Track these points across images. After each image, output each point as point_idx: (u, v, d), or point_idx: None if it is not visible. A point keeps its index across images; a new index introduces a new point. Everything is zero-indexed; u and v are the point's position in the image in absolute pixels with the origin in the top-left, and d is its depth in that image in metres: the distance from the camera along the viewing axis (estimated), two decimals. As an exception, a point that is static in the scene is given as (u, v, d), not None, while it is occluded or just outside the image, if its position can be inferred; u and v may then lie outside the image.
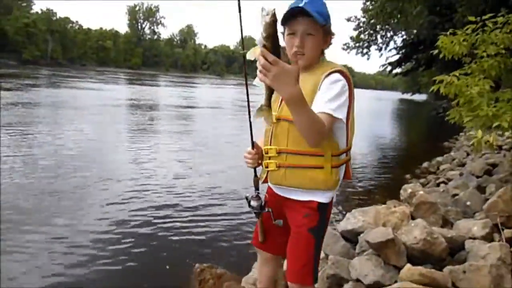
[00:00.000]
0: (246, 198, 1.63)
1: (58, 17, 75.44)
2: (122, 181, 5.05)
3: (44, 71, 39.53)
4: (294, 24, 1.42)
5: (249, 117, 1.53)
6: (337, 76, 1.42)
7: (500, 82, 3.81)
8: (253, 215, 1.66)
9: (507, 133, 3.45)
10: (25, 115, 10.05)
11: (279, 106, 1.51)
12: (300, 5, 1.37)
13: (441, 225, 2.79)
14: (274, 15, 1.07)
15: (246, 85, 1.49)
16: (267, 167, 1.56)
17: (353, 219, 3.25)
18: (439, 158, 7.74)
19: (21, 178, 4.83)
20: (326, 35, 1.48)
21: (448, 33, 3.68)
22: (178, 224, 3.85)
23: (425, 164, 7.38)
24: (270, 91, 1.18)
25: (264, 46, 1.08)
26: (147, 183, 5.04)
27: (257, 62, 1.09)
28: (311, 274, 1.52)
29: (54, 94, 16.78)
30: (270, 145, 1.54)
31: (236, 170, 5.76)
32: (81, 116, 10.75)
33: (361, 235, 2.97)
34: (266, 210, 1.60)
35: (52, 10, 74.98)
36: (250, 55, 1.17)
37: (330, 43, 1.53)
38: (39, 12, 72.48)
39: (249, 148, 1.59)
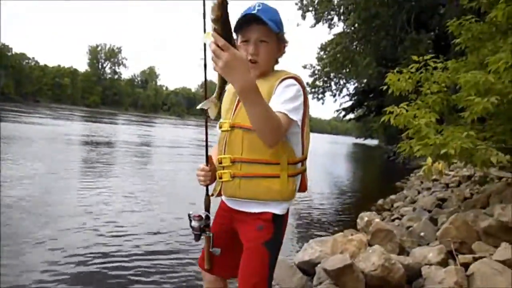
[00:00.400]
0: (189, 215, 1.49)
1: (13, 52, 73.09)
2: (65, 218, 4.58)
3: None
4: (247, 31, 1.40)
5: (206, 127, 1.47)
6: (291, 81, 1.39)
7: (444, 117, 4.07)
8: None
9: (454, 161, 3.61)
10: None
11: (234, 113, 1.44)
12: (253, 12, 1.36)
13: (398, 253, 2.75)
14: None
15: (205, 72, 1.33)
16: (220, 178, 1.45)
17: (310, 250, 3.14)
18: (393, 196, 7.98)
19: None
20: (280, 43, 1.47)
21: (395, 71, 3.93)
22: (122, 259, 3.50)
23: (380, 202, 7.56)
24: (222, 81, 1.10)
25: (214, 30, 1.01)
26: (90, 220, 4.61)
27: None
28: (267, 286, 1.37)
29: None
30: (224, 154, 1.44)
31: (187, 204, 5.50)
32: (27, 151, 9.97)
33: (319, 265, 2.86)
34: (207, 233, 1.48)
35: (8, 45, 72.84)
36: (206, 39, 1.07)
37: (284, 52, 1.51)
38: (-8, 46, 69.90)
39: (202, 164, 1.48)
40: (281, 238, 1.46)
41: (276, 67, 1.52)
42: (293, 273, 3.06)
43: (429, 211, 4.96)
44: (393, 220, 5.71)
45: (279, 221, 1.44)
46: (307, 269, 3.10)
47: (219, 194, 1.53)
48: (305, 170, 1.53)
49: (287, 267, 3.14)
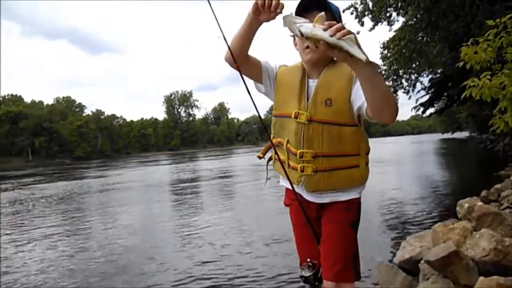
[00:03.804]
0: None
1: (106, 115, 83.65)
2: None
3: (94, 164, 42.52)
4: (309, 17, 1.35)
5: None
6: None
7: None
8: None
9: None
10: (77, 203, 10.63)
11: (307, 105, 1.45)
12: None
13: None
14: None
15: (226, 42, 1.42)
16: (302, 170, 1.47)
17: (409, 247, 2.95)
18: (498, 186, 7.07)
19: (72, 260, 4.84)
20: None
21: (469, 43, 3.60)
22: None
23: (484, 193, 6.75)
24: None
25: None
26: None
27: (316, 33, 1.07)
28: (353, 269, 1.41)
29: (104, 182, 17.79)
30: (303, 148, 1.46)
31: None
32: (127, 198, 11.15)
33: (421, 262, 2.66)
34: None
35: (101, 110, 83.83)
36: (315, 24, 1.11)
37: None
38: (90, 113, 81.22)
39: None
40: (360, 217, 1.54)
41: None
42: (395, 274, 2.88)
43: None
44: (503, 210, 5.07)
45: (360, 203, 1.52)
46: (410, 268, 2.90)
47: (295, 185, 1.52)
48: None
49: (388, 268, 2.98)
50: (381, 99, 1.17)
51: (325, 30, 1.06)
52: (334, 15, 1.38)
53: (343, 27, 1.04)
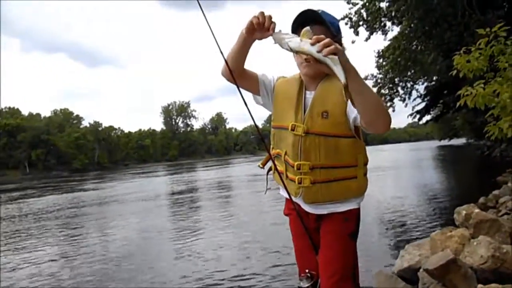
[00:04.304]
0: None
1: (103, 126, 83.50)
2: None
3: (91, 176, 42.31)
4: None
5: None
6: None
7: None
8: None
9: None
10: (74, 215, 10.55)
11: (304, 117, 1.46)
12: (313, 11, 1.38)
13: (510, 243, 2.43)
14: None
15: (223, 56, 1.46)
16: (300, 182, 1.48)
17: (408, 255, 2.95)
18: (496, 192, 7.10)
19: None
20: None
21: (461, 51, 3.65)
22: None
23: (482, 200, 6.76)
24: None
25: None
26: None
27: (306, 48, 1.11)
28: (351, 280, 1.41)
29: (101, 194, 17.70)
30: (300, 160, 1.46)
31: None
32: (125, 210, 11.09)
33: (421, 270, 2.65)
34: None
35: (98, 121, 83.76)
36: (302, 38, 1.15)
37: None
38: (88, 125, 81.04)
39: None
40: (359, 228, 1.54)
41: None
42: (394, 283, 2.88)
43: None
44: (501, 216, 5.07)
45: (359, 213, 1.52)
46: (409, 277, 2.89)
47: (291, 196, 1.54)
48: None
49: (386, 277, 2.97)
50: (372, 111, 1.19)
51: (312, 44, 1.08)
52: (329, 28, 1.39)
53: (330, 43, 1.07)
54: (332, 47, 1.06)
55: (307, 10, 1.38)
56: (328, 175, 1.44)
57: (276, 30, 1.26)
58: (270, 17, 1.27)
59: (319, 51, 1.07)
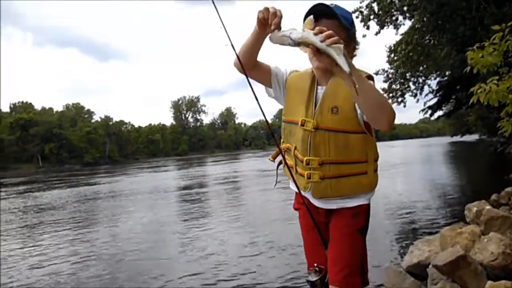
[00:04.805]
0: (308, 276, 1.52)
1: (114, 121, 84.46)
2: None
3: (102, 169, 42.91)
4: (318, 25, 1.31)
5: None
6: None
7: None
8: None
9: None
10: (86, 209, 10.74)
11: (315, 112, 1.45)
12: (326, 4, 1.36)
13: (521, 241, 2.41)
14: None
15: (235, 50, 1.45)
16: (309, 177, 1.48)
17: (418, 251, 2.94)
18: (509, 189, 6.99)
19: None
20: (350, 41, 1.45)
21: (475, 47, 3.60)
22: None
23: (494, 197, 6.67)
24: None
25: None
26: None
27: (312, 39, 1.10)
28: (360, 275, 1.43)
29: (111, 188, 17.97)
30: (309, 155, 1.46)
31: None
32: (136, 204, 11.23)
33: (430, 266, 2.65)
34: None
35: (109, 116, 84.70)
36: (305, 29, 1.15)
37: (355, 54, 1.49)
38: (99, 120, 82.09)
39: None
40: (368, 223, 1.53)
41: None
42: (403, 279, 2.88)
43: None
44: (513, 214, 5.01)
45: (369, 209, 1.52)
46: (418, 272, 2.89)
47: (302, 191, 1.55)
48: None
49: (395, 273, 2.98)
50: (373, 106, 1.18)
51: (315, 34, 1.08)
52: (341, 23, 1.38)
53: (333, 34, 1.07)
54: (335, 38, 1.06)
55: (318, 3, 1.36)
56: (337, 170, 1.44)
57: (283, 25, 1.23)
58: (274, 13, 1.23)
59: (322, 41, 1.07)
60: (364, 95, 1.15)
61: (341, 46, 1.06)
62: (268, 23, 1.25)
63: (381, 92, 1.21)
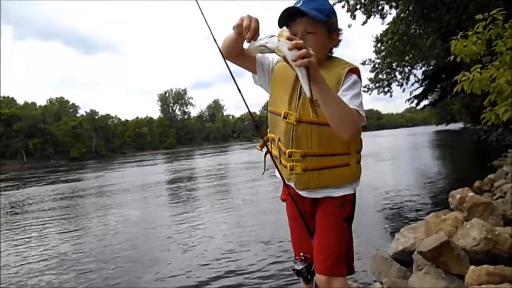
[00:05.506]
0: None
1: (100, 115, 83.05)
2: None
3: (89, 164, 42.32)
4: (293, 25, 1.39)
5: None
6: (356, 77, 1.41)
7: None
8: None
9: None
10: (74, 204, 10.59)
11: (297, 105, 1.45)
12: (298, 5, 1.35)
13: (503, 225, 2.48)
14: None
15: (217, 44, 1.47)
16: (292, 169, 1.49)
17: (403, 238, 3.00)
18: (491, 176, 7.17)
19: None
20: (330, 32, 1.43)
21: (458, 36, 3.63)
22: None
23: (477, 183, 6.84)
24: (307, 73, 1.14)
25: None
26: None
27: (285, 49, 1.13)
28: (345, 264, 1.44)
29: (98, 183, 17.74)
30: (292, 148, 1.46)
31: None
32: (124, 199, 11.14)
33: (415, 253, 2.70)
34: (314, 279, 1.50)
35: (95, 110, 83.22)
36: (279, 38, 1.16)
37: (338, 40, 1.48)
38: (84, 114, 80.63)
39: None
40: (354, 212, 1.55)
41: None
42: (389, 265, 2.93)
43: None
44: (496, 200, 5.14)
45: (354, 198, 1.53)
46: (404, 259, 2.95)
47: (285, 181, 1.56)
48: None
49: (382, 260, 3.03)
50: (335, 119, 1.24)
51: (290, 49, 1.11)
52: (315, 21, 1.36)
53: (306, 54, 1.09)
54: (305, 60, 1.10)
55: (288, 7, 1.35)
56: (319, 163, 1.44)
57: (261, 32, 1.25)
58: (247, 27, 1.24)
59: (293, 60, 1.11)
60: (329, 109, 1.21)
61: (304, 71, 1.12)
62: (247, 32, 1.25)
63: (346, 104, 1.26)
